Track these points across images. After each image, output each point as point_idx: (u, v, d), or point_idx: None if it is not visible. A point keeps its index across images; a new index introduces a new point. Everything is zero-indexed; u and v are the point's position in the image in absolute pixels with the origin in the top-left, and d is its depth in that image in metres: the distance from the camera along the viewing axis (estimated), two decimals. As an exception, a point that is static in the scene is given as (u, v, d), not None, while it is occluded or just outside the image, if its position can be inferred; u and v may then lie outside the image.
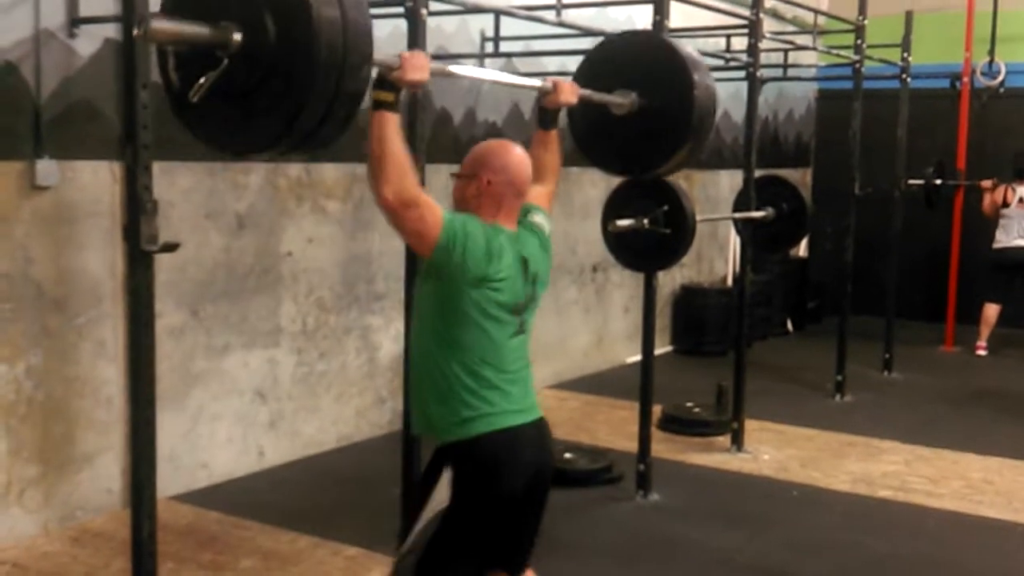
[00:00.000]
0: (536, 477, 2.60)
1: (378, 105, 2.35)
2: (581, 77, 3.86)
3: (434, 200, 2.44)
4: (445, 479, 2.52)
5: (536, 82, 3.11)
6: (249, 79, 2.29)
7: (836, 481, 5.15)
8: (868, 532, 4.50)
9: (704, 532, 4.43)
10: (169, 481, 4.47)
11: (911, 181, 7.91)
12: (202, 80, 2.29)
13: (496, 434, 2.52)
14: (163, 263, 4.20)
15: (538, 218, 2.74)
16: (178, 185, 4.54)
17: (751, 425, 5.75)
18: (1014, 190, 8.16)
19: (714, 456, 5.52)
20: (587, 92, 3.47)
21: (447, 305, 2.49)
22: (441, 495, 2.51)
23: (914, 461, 5.52)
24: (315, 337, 5.29)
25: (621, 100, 3.81)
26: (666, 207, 4.69)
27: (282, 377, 5.12)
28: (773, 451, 5.62)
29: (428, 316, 2.56)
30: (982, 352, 8.29)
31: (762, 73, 5.81)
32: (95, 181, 4.23)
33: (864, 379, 7.28)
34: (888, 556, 4.23)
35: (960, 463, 5.50)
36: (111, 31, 4.17)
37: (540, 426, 2.64)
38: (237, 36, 2.27)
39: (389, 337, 5.62)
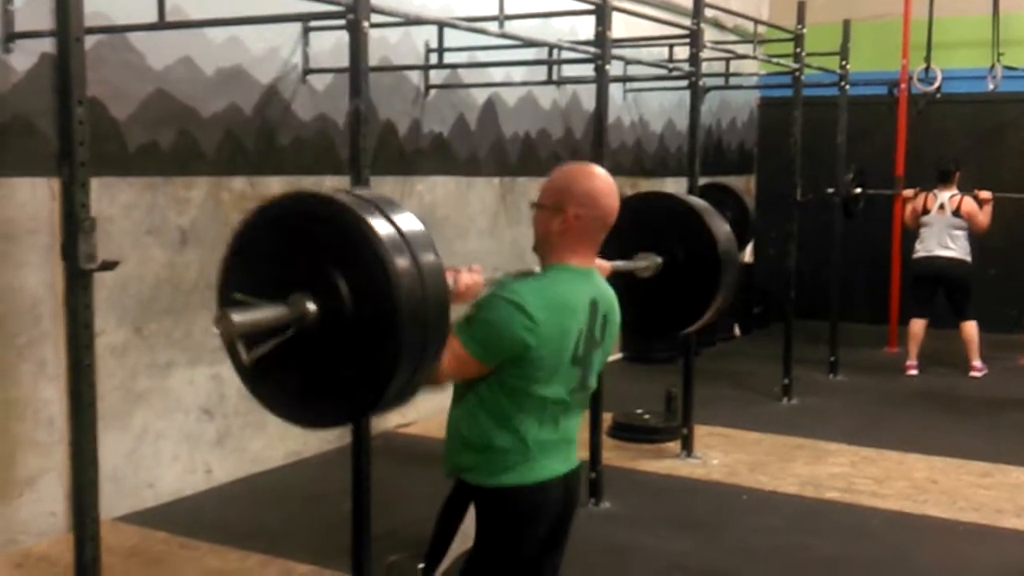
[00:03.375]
0: (559, 522, 2.52)
1: None
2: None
3: (472, 349, 2.30)
4: (472, 516, 2.42)
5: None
6: (327, 349, 2.18)
7: (784, 484, 5.21)
8: (815, 534, 4.55)
9: (656, 539, 4.46)
10: (114, 502, 4.39)
11: (828, 190, 7.79)
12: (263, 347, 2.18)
13: (526, 488, 2.41)
14: (104, 280, 4.13)
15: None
16: (118, 201, 4.48)
17: (700, 431, 5.79)
18: (935, 196, 7.84)
19: (664, 462, 5.56)
20: (614, 264, 3.47)
21: (498, 373, 2.36)
22: (468, 532, 2.42)
23: (860, 462, 5.60)
24: (262, 352, 5.22)
25: (645, 264, 3.87)
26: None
27: (228, 393, 5.06)
28: (722, 456, 5.67)
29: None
30: (913, 372, 7.92)
31: (704, 82, 5.87)
32: (33, 198, 4.15)
33: (810, 382, 7.38)
34: (835, 558, 4.28)
35: (905, 463, 5.59)
36: (48, 46, 4.09)
37: (571, 476, 2.53)
38: (311, 307, 2.16)
39: (337, 351, 5.57)
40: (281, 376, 2.27)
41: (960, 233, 7.77)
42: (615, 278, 3.52)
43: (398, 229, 2.15)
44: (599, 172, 2.45)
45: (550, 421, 2.42)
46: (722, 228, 3.98)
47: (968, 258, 7.80)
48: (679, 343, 6.68)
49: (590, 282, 2.45)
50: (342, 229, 2.15)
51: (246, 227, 2.33)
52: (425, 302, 2.13)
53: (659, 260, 3.88)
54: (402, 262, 2.11)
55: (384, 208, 2.20)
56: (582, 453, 4.79)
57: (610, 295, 2.51)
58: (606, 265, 3.12)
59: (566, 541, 2.62)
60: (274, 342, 2.17)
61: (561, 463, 2.48)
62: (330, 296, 2.15)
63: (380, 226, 2.13)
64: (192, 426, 4.89)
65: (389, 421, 6.03)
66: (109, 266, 2.61)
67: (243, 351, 2.19)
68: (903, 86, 8.97)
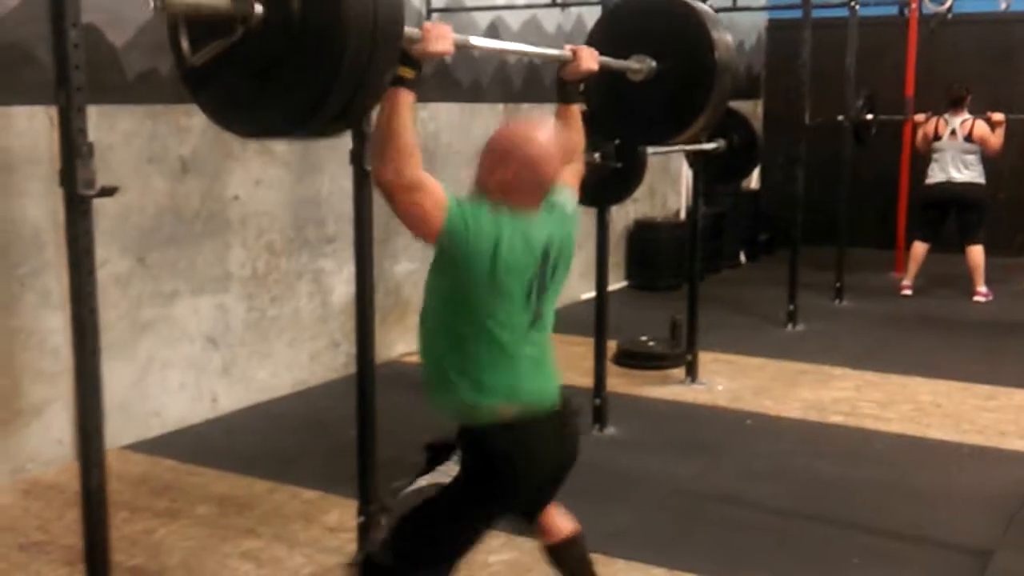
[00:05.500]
0: (555, 472, 2.52)
1: (396, 81, 2.24)
2: (593, 44, 3.71)
3: (441, 186, 2.30)
4: (457, 458, 2.42)
5: (555, 51, 2.95)
6: (270, 55, 2.13)
7: (788, 408, 5.23)
8: (819, 457, 4.58)
9: (660, 463, 4.48)
10: (121, 431, 4.43)
11: (838, 117, 7.72)
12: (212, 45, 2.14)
13: (510, 429, 2.39)
14: (105, 209, 4.11)
15: (561, 197, 2.57)
16: (118, 129, 4.43)
17: (705, 357, 5.80)
18: (947, 122, 7.79)
19: (669, 388, 5.58)
20: (604, 59, 3.28)
21: (453, 298, 2.38)
22: (448, 468, 2.41)
23: (864, 386, 5.61)
24: (266, 282, 5.22)
25: (638, 66, 3.66)
26: (617, 140, 4.63)
27: (233, 323, 5.07)
28: (727, 382, 5.68)
29: (435, 308, 2.44)
30: (907, 292, 7.98)
31: (712, 4, 5.75)
32: (31, 127, 4.11)
33: (816, 308, 7.37)
34: (839, 479, 4.31)
35: (909, 387, 5.60)
36: (40, -30, 4.02)
37: (561, 415, 2.51)
38: (258, 8, 2.10)
39: (342, 280, 5.57)
40: (223, 81, 2.23)
41: (972, 157, 7.74)
42: (603, 76, 3.42)
43: None
44: (542, 133, 2.44)
45: (518, 362, 2.41)
46: (723, 37, 3.74)
47: (983, 180, 7.78)
48: (684, 270, 6.66)
49: (536, 225, 2.43)
50: None
51: None
52: (376, 13, 2.09)
53: (653, 64, 3.68)
54: None
55: None
56: (586, 380, 4.84)
57: (559, 240, 2.48)
58: (595, 58, 2.96)
59: (563, 480, 2.61)
60: (221, 44, 2.13)
61: (542, 398, 2.46)
62: (279, 3, 2.12)
63: None
64: (198, 355, 4.91)
65: (394, 350, 6.05)
66: (108, 192, 2.57)
67: (186, 46, 2.17)
68: (914, 6, 8.78)
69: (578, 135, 2.83)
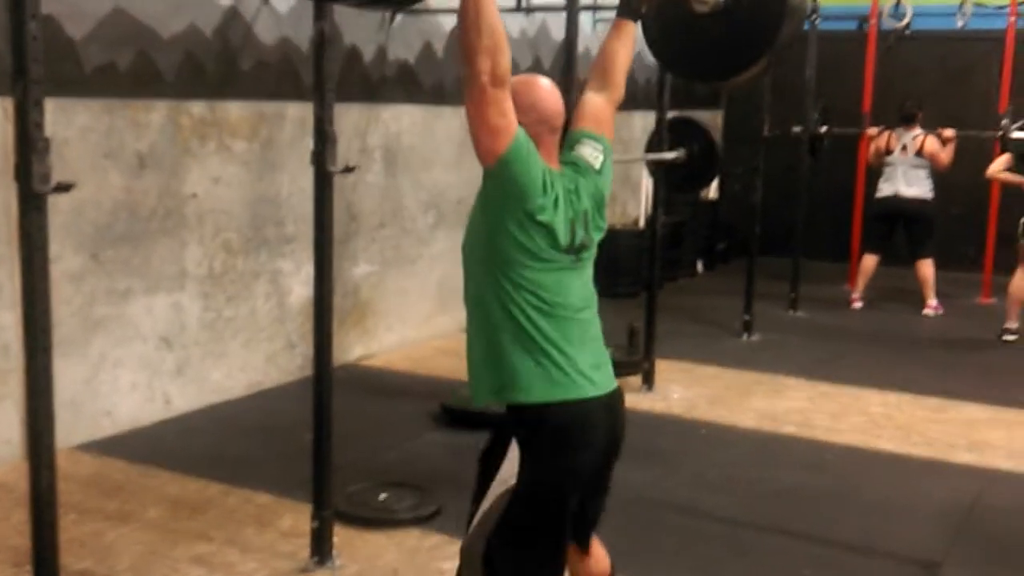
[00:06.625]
0: (607, 452, 2.50)
1: None
2: None
3: None
4: (513, 455, 2.36)
5: None
6: None
7: (743, 418, 5.27)
8: (772, 467, 4.62)
9: (616, 470, 4.47)
10: (71, 430, 4.35)
11: (794, 129, 7.80)
12: None
13: (568, 405, 2.37)
14: (60, 205, 4.04)
15: (587, 150, 2.52)
16: (75, 123, 4.36)
17: (662, 365, 5.83)
18: (898, 137, 7.94)
19: (626, 396, 5.56)
20: None
21: (497, 248, 2.33)
22: (508, 471, 2.36)
23: (817, 397, 5.68)
24: (222, 281, 5.17)
25: None
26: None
27: (188, 322, 5.00)
28: (683, 390, 5.72)
29: (478, 268, 2.40)
30: (857, 304, 8.11)
31: (674, 14, 5.79)
32: (-16, 119, 4.03)
33: (771, 318, 7.44)
34: (790, 490, 4.35)
35: (861, 399, 5.67)
36: (-3, -41, 3.94)
37: (613, 398, 2.49)
38: None
39: (299, 281, 5.52)
40: None
41: (922, 172, 7.91)
42: (668, 4, 3.35)
43: None
44: (540, 80, 2.45)
45: (566, 313, 2.43)
46: None
47: (930, 196, 7.93)
48: (642, 278, 6.68)
49: (563, 180, 2.42)
50: None
51: None
52: None
53: None
54: None
55: None
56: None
57: (587, 196, 2.46)
58: None
59: (610, 482, 2.60)
60: None
61: (597, 383, 2.45)
62: None
63: None
64: (151, 355, 4.84)
65: (351, 353, 6.01)
66: (64, 188, 2.53)
67: None
68: (873, 21, 8.92)
69: (627, 52, 2.74)
